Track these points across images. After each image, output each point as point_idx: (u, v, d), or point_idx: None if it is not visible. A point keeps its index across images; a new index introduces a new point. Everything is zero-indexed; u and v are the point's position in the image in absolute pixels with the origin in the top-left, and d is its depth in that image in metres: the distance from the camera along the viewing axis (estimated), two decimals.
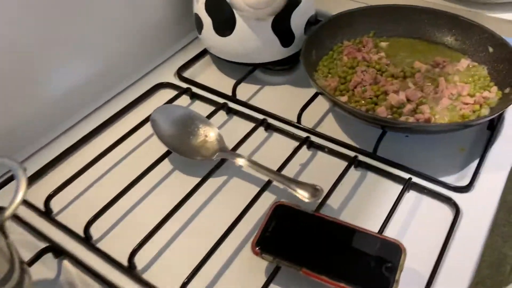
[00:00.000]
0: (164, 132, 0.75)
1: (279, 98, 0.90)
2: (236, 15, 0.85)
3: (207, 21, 0.89)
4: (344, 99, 0.81)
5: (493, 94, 0.81)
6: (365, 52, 0.92)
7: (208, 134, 0.78)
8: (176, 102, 0.88)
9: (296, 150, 0.78)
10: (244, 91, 0.92)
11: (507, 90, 0.81)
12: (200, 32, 0.92)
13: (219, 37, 0.89)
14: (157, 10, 0.94)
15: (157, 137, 0.75)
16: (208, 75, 0.97)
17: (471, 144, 0.81)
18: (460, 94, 0.82)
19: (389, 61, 0.89)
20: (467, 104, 0.80)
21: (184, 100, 0.90)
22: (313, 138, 0.81)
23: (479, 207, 0.70)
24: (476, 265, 0.64)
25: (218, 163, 0.75)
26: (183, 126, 0.77)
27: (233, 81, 0.91)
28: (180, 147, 0.74)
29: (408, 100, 0.80)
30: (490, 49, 0.86)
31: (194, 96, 0.91)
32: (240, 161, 0.72)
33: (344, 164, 0.76)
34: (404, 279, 0.58)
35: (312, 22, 0.93)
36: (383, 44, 0.94)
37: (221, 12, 0.86)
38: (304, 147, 0.80)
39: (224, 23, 0.87)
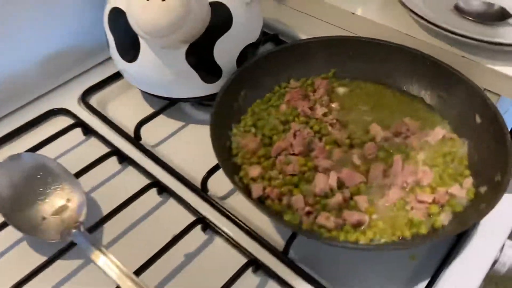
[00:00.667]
0: (4, 194, 0.57)
1: (199, 143, 0.68)
2: (140, 39, 0.64)
3: (111, 39, 0.69)
4: (254, 171, 0.60)
5: (463, 191, 0.58)
6: (312, 101, 0.70)
7: (70, 198, 0.59)
8: (64, 138, 0.69)
9: (187, 230, 0.59)
10: (158, 130, 0.72)
11: (483, 189, 0.58)
12: (110, 51, 0.72)
13: (124, 62, 0.69)
14: (67, 18, 0.75)
15: None
16: (122, 104, 0.77)
17: (427, 251, 0.59)
18: (419, 183, 0.59)
19: (336, 119, 0.67)
20: (422, 202, 0.57)
21: (74, 136, 0.71)
22: (213, 217, 0.61)
23: None
24: None
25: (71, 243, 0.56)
26: (35, 184, 0.58)
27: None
28: (18, 218, 0.56)
29: (341, 187, 0.59)
30: (478, 119, 0.63)
31: (89, 132, 0.72)
32: (94, 255, 0.54)
33: (242, 261, 0.56)
34: None
35: (253, 51, 0.72)
36: (341, 90, 0.72)
37: (122, 32, 0.66)
38: (199, 227, 0.60)
39: (127, 46, 0.67)
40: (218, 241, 0.60)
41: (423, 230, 0.55)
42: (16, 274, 0.54)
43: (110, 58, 0.78)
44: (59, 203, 0.59)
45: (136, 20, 0.58)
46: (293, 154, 0.63)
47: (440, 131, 0.64)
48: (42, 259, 0.56)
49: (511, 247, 0.64)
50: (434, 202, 0.57)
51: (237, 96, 0.68)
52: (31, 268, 0.55)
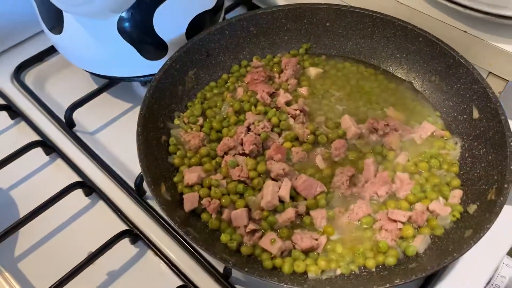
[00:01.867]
0: None
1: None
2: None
3: (35, 8, 0.57)
4: (192, 176, 0.49)
5: (446, 210, 0.46)
6: (276, 84, 0.58)
7: None
8: None
9: (112, 241, 0.49)
10: (99, 114, 0.62)
11: (472, 208, 0.46)
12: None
13: (51, 34, 0.57)
14: None
15: None
16: (62, 80, 0.66)
17: None
18: (394, 195, 0.48)
19: (300, 110, 0.55)
20: (394, 221, 0.45)
21: (1, 120, 0.61)
22: (147, 227, 0.51)
23: None
24: None
25: None
26: None
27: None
28: None
29: (296, 198, 0.48)
30: (475, 113, 0.51)
31: (18, 115, 0.61)
32: None
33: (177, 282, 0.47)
34: None
35: (210, 18, 0.59)
36: (313, 71, 0.59)
37: (45, 1, 0.54)
38: (127, 239, 0.50)
39: (51, 17, 0.55)
40: (149, 257, 0.50)
41: (391, 260, 0.44)
42: None
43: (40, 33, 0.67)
44: None
45: None
46: (243, 154, 0.52)
47: (429, 127, 0.52)
48: None
49: (509, 266, 0.53)
50: (410, 221, 0.46)
51: (184, 77, 0.57)
52: None
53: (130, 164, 0.57)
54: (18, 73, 0.65)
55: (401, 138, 0.52)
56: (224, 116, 0.55)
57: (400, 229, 0.45)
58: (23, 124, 0.61)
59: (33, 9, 0.58)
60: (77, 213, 0.53)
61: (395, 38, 0.57)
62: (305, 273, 0.43)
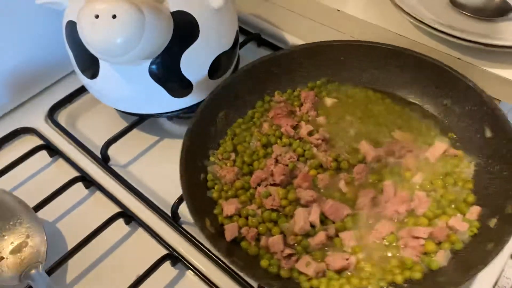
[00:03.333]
0: None
1: (175, 160, 0.58)
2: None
3: (70, 53, 0.63)
4: (230, 208, 0.54)
5: (464, 225, 0.50)
6: (298, 117, 0.64)
7: (30, 235, 0.55)
8: (30, 160, 0.65)
9: (155, 266, 0.54)
10: (130, 148, 0.67)
11: (492, 222, 0.50)
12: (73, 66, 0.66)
13: (86, 77, 0.63)
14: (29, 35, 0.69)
15: None
16: (92, 119, 0.72)
17: None
18: (413, 212, 0.53)
19: (322, 139, 0.60)
20: (416, 238, 0.50)
21: (40, 158, 0.66)
22: (184, 250, 0.56)
23: None
24: None
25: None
26: None
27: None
28: None
29: (325, 222, 0.53)
30: (488, 132, 0.56)
31: (55, 154, 0.67)
32: None
33: None
34: None
35: (228, 58, 0.65)
36: (329, 101, 0.65)
37: (80, 47, 0.59)
38: (168, 262, 0.55)
39: (86, 62, 0.61)
40: (189, 277, 0.55)
41: (418, 274, 0.48)
42: None
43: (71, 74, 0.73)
44: (18, 240, 0.55)
45: (86, 39, 0.52)
46: (274, 184, 0.57)
47: (441, 146, 0.57)
48: None
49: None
50: (431, 237, 0.50)
51: (215, 118, 0.62)
52: None
53: (163, 192, 0.62)
54: (52, 113, 0.71)
55: (417, 159, 0.56)
56: (254, 150, 0.61)
57: (422, 245, 0.49)
58: (61, 161, 0.66)
59: (63, 51, 0.63)
60: (120, 240, 0.59)
61: (407, 67, 0.62)
62: None
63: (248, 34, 0.80)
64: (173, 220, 0.58)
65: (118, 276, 0.54)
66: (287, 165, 0.58)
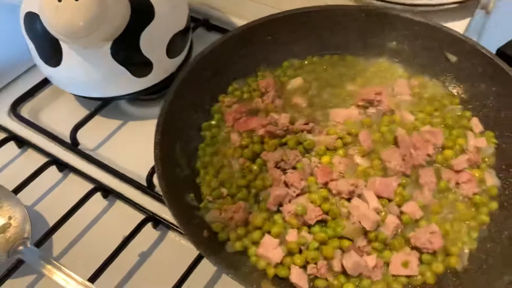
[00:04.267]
0: None
1: (139, 140, 0.64)
2: (60, 42, 0.62)
3: (31, 45, 0.66)
4: (275, 254, 0.47)
5: (482, 140, 0.55)
6: (264, 110, 0.58)
7: (12, 216, 0.57)
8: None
9: (137, 229, 0.58)
10: (96, 132, 0.70)
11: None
12: (32, 57, 0.69)
13: (48, 67, 0.66)
14: None
15: None
16: (55, 109, 0.74)
17: None
18: (436, 146, 0.54)
19: (308, 122, 0.56)
20: (459, 171, 0.52)
21: (10, 149, 0.68)
22: (163, 212, 0.60)
23: None
24: None
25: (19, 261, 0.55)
26: None
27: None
28: None
29: (380, 200, 0.50)
30: (451, 57, 0.61)
31: (24, 144, 0.69)
32: (46, 269, 0.52)
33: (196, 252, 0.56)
34: None
35: (182, 39, 0.70)
36: (295, 82, 0.62)
37: (41, 36, 0.63)
38: (149, 225, 0.60)
39: (49, 51, 0.64)
40: (171, 235, 0.60)
41: (493, 205, 0.52)
42: None
43: (35, 65, 0.75)
44: (1, 222, 0.57)
45: (50, 23, 0.55)
46: (298, 195, 0.50)
47: (403, 82, 0.61)
48: None
49: None
50: (471, 164, 0.53)
51: (174, 156, 0.55)
52: None
53: (134, 168, 0.65)
54: (15, 107, 0.73)
55: (391, 97, 0.59)
56: (242, 169, 0.53)
57: (470, 175, 0.52)
58: (30, 151, 0.69)
59: (21, 46, 0.66)
60: (100, 212, 0.62)
61: (341, 25, 0.64)
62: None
63: (197, 20, 0.85)
64: (149, 189, 0.62)
65: (103, 244, 0.58)
66: (295, 168, 0.52)
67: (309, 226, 0.49)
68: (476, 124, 0.58)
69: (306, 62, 0.65)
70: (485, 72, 0.58)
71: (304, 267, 0.47)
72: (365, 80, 0.63)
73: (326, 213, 0.49)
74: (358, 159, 0.54)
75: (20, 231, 0.56)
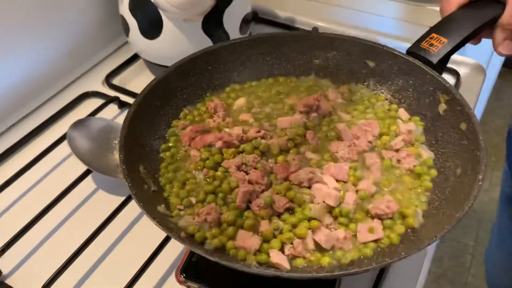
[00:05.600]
0: (83, 149, 0.68)
1: None
2: (163, 16, 0.78)
3: (132, 23, 0.81)
4: (253, 242, 0.51)
5: (411, 124, 0.63)
6: (217, 128, 0.63)
7: None
8: (103, 113, 0.80)
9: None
10: None
11: (442, 108, 0.62)
12: (127, 35, 0.85)
13: (146, 40, 0.82)
14: (83, 13, 0.86)
15: (75, 155, 0.67)
16: (140, 81, 0.89)
17: None
18: (374, 135, 0.62)
19: (260, 130, 0.62)
20: (398, 150, 0.60)
21: (112, 110, 0.82)
22: None
23: None
24: None
25: None
26: (104, 140, 0.70)
27: None
28: (100, 165, 0.67)
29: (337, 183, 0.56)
30: (370, 63, 0.69)
31: (123, 105, 0.83)
32: None
33: None
34: None
35: (248, 19, 0.87)
36: (239, 102, 0.68)
37: (146, 13, 0.79)
38: None
39: (151, 25, 0.80)
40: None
41: (433, 172, 0.58)
42: (101, 214, 0.63)
43: (121, 46, 0.92)
44: None
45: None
46: (263, 191, 0.55)
47: (333, 91, 0.69)
48: (120, 199, 0.67)
49: None
50: (405, 144, 0.61)
51: (138, 175, 0.57)
52: (112, 208, 0.64)
53: None
54: (108, 79, 0.88)
55: (331, 102, 0.67)
56: (206, 178, 0.57)
57: (408, 152, 0.59)
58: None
59: (114, 29, 0.82)
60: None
61: (267, 51, 0.71)
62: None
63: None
64: None
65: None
66: (256, 168, 0.56)
67: (279, 216, 0.54)
68: (403, 113, 0.66)
69: (246, 86, 0.72)
70: (400, 70, 0.66)
71: (281, 250, 0.51)
72: (299, 94, 0.70)
73: (292, 201, 0.54)
74: (310, 155, 0.60)
75: None
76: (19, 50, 0.77)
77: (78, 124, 0.71)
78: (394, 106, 0.68)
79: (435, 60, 0.61)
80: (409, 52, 0.64)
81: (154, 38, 0.81)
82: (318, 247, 0.51)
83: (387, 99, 0.69)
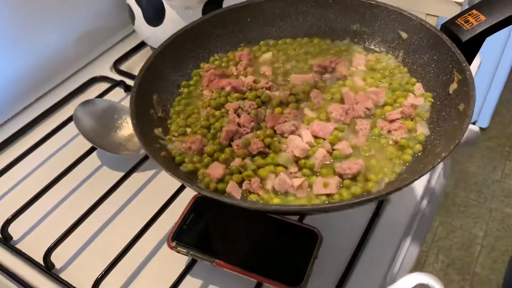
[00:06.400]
0: (88, 127, 0.73)
1: None
2: (165, 4, 0.83)
3: (137, 11, 0.87)
4: (217, 171, 0.56)
5: (420, 99, 0.61)
6: (235, 75, 0.68)
7: None
8: (110, 95, 0.86)
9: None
10: None
11: (452, 88, 0.59)
12: (133, 24, 0.90)
13: (150, 27, 0.87)
14: (92, 2, 0.92)
15: (81, 133, 0.73)
16: None
17: None
18: (377, 104, 0.62)
19: (270, 81, 0.66)
20: (393, 122, 0.59)
21: (118, 93, 0.88)
22: None
23: None
24: (393, 257, 0.63)
25: (144, 157, 0.73)
26: (108, 120, 0.76)
27: None
28: (104, 143, 0.72)
29: (316, 141, 0.58)
30: (403, 34, 0.68)
31: (128, 89, 0.89)
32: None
33: None
34: (320, 268, 0.57)
35: None
36: (266, 56, 0.71)
37: (149, 2, 0.84)
38: None
39: (154, 13, 0.85)
40: None
41: (418, 147, 0.57)
42: (102, 188, 0.68)
43: (130, 34, 0.97)
44: (128, 132, 0.76)
45: None
46: (247, 133, 0.59)
47: (360, 57, 0.68)
48: (120, 174, 0.71)
49: None
50: (404, 116, 0.60)
51: (151, 102, 0.63)
52: (113, 182, 0.69)
53: None
54: (116, 66, 0.93)
55: (346, 67, 0.67)
56: (208, 115, 0.63)
57: (402, 124, 0.59)
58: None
59: (122, 18, 0.87)
60: None
61: (308, 11, 0.73)
62: (369, 192, 0.54)
63: None
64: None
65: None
66: (249, 114, 0.60)
67: (253, 157, 0.58)
68: (418, 87, 0.64)
69: (280, 42, 0.74)
70: (429, 44, 0.65)
71: (240, 184, 0.55)
72: (326, 56, 0.71)
73: (268, 146, 0.58)
74: (308, 112, 0.62)
75: None
76: (34, 39, 0.84)
77: (84, 104, 0.77)
78: (414, 80, 0.66)
79: (464, 38, 0.58)
80: (443, 26, 0.61)
81: (157, 26, 0.85)
82: (275, 190, 0.55)
83: (410, 72, 0.67)
